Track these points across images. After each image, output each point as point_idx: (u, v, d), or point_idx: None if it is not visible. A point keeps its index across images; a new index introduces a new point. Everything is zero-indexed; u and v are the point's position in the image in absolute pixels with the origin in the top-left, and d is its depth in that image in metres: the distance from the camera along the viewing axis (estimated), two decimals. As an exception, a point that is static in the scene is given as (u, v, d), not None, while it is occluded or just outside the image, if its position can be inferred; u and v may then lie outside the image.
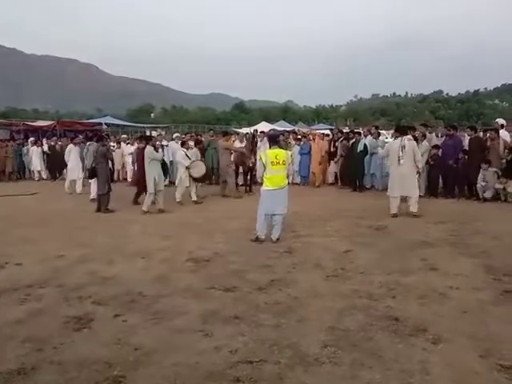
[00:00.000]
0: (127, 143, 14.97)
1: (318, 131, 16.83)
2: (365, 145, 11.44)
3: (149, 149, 9.01)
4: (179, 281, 4.80)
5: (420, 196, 8.69)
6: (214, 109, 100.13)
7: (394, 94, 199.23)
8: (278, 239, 6.38)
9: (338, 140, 12.73)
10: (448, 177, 10.15)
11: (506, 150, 9.38)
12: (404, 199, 8.19)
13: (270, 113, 79.15)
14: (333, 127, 38.17)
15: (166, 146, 13.05)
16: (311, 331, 3.54)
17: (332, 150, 12.80)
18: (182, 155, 10.11)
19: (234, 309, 4.00)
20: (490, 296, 4.19)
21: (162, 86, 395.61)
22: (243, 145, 12.12)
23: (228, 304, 4.14)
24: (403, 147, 7.89)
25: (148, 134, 30.31)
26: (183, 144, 10.75)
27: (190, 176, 9.93)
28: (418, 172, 8.15)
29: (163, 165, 9.42)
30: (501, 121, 10.36)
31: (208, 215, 8.55)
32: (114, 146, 14.79)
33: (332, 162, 12.91)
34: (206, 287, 4.58)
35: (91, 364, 3.05)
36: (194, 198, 10.12)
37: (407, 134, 8.26)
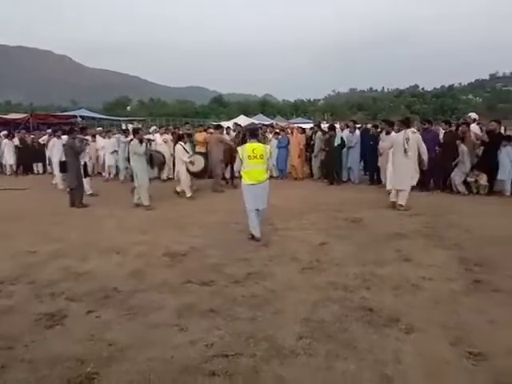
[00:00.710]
0: (103, 136, 14.59)
1: (295, 125, 16.81)
2: (342, 138, 11.51)
3: (134, 142, 8.83)
4: (155, 276, 4.75)
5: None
6: (193, 102, 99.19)
7: (371, 88, 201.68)
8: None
9: (315, 133, 12.76)
10: (424, 170, 10.28)
11: (479, 143, 9.58)
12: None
13: (248, 106, 78.98)
14: (311, 121, 38.42)
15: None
16: (287, 323, 3.56)
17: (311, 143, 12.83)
18: (180, 149, 9.82)
19: (210, 303, 3.99)
20: (461, 286, 4.29)
21: (140, 78, 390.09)
22: (228, 138, 12.04)
23: (204, 298, 4.12)
24: (407, 140, 7.96)
25: (124, 127, 29.87)
26: (181, 138, 10.35)
27: (188, 170, 9.73)
28: (422, 164, 8.22)
29: (151, 159, 9.15)
30: (473, 115, 10.59)
31: (185, 209, 8.48)
32: (87, 140, 14.43)
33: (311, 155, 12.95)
34: (182, 282, 4.55)
35: (63, 361, 3.00)
36: (180, 189, 9.96)
37: (410, 127, 8.33)
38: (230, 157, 11.20)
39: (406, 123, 8.38)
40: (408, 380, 2.75)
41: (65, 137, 10.23)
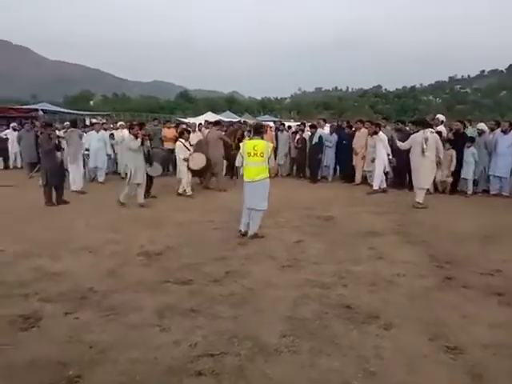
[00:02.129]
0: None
1: (266, 123, 16.87)
2: (320, 137, 11.63)
3: (128, 138, 8.41)
4: (131, 275, 4.67)
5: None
6: (158, 97, 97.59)
7: (336, 88, 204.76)
8: (253, 235, 6.12)
9: (296, 132, 12.82)
10: (399, 169, 10.53)
11: (447, 144, 9.89)
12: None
13: (215, 103, 78.48)
14: (276, 119, 38.59)
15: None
16: (269, 321, 3.58)
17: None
18: (181, 147, 9.50)
19: (191, 302, 3.97)
20: (434, 282, 4.46)
21: (101, 71, 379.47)
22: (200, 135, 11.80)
23: (184, 297, 4.09)
24: (426, 140, 8.16)
25: (88, 122, 29.04)
26: (181, 134, 9.89)
27: (188, 168, 9.42)
28: (437, 163, 8.43)
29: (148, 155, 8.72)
30: (441, 117, 10.94)
31: (159, 208, 8.31)
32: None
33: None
34: (160, 281, 4.49)
35: (43, 365, 2.90)
36: (181, 189, 9.57)
37: (428, 127, 8.55)
38: (230, 154, 10.79)
39: (425, 124, 8.66)
40: (390, 375, 2.84)
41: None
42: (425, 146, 8.15)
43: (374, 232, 6.49)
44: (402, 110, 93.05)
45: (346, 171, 12.00)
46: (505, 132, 9.59)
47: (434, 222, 7.05)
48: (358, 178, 11.46)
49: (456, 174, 9.70)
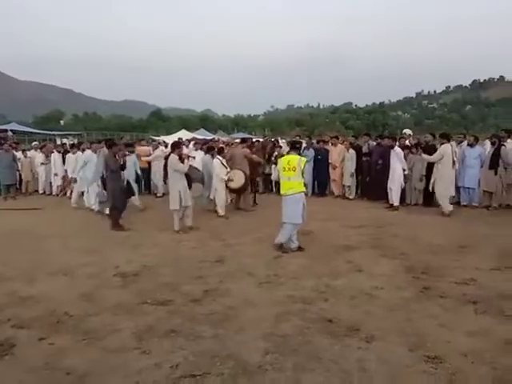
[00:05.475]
0: (43, 152, 13.72)
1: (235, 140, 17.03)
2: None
3: (172, 158, 7.74)
4: (108, 297, 4.56)
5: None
6: (130, 116, 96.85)
7: (308, 105, 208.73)
8: (279, 245, 6.26)
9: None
10: (377, 181, 10.67)
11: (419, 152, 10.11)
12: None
13: (188, 121, 78.50)
14: (252, 136, 38.91)
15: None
16: (250, 339, 3.55)
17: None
18: (219, 164, 9.02)
19: (170, 323, 3.90)
20: (411, 293, 4.53)
21: (74, 92, 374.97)
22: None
23: (163, 318, 4.01)
24: (455, 152, 8.80)
25: (59, 142, 28.57)
26: (220, 152, 9.41)
27: (227, 187, 9.12)
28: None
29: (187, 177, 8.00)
30: (408, 131, 11.32)
31: (134, 227, 8.15)
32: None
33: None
34: (138, 302, 4.40)
35: (18, 395, 2.78)
36: (222, 212, 9.12)
37: (450, 140, 9.16)
38: (256, 172, 10.52)
39: (447, 137, 9.21)
40: (374, 387, 2.85)
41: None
42: (455, 159, 8.76)
43: (351, 246, 6.55)
44: (372, 125, 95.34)
45: (322, 185, 12.18)
46: (471, 146, 9.93)
47: (408, 235, 7.18)
48: (336, 191, 11.68)
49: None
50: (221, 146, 10.79)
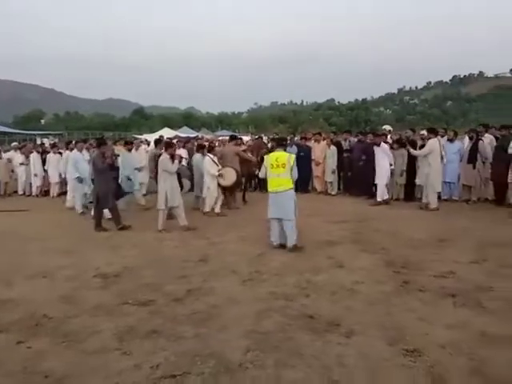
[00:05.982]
0: (22, 152, 13.46)
1: (222, 137, 16.98)
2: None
3: (164, 157, 7.63)
4: (88, 299, 4.50)
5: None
6: (113, 115, 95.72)
7: (291, 101, 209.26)
8: (293, 247, 6.10)
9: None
10: (359, 177, 10.79)
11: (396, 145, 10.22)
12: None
13: (171, 119, 77.87)
14: (236, 133, 38.83)
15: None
16: (232, 337, 3.55)
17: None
18: (209, 162, 9.01)
19: (151, 323, 3.87)
20: (391, 288, 4.59)
21: (55, 91, 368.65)
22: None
23: (144, 319, 3.98)
24: (443, 146, 8.87)
25: (39, 141, 28.06)
26: (210, 150, 9.39)
27: (219, 185, 9.03)
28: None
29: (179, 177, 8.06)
30: (387, 127, 11.44)
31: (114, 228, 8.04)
32: None
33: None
34: (119, 303, 4.36)
35: (-6, 400, 2.74)
36: (218, 209, 9.10)
37: (438, 135, 9.20)
38: (249, 171, 10.40)
39: (435, 132, 9.30)
40: (354, 382, 2.88)
41: None
42: (443, 153, 8.85)
43: (332, 241, 6.61)
44: (355, 121, 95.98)
45: (304, 182, 12.22)
46: (451, 140, 10.07)
47: (389, 229, 7.26)
48: (319, 187, 11.77)
49: (411, 180, 10.04)
50: (205, 143, 10.65)
